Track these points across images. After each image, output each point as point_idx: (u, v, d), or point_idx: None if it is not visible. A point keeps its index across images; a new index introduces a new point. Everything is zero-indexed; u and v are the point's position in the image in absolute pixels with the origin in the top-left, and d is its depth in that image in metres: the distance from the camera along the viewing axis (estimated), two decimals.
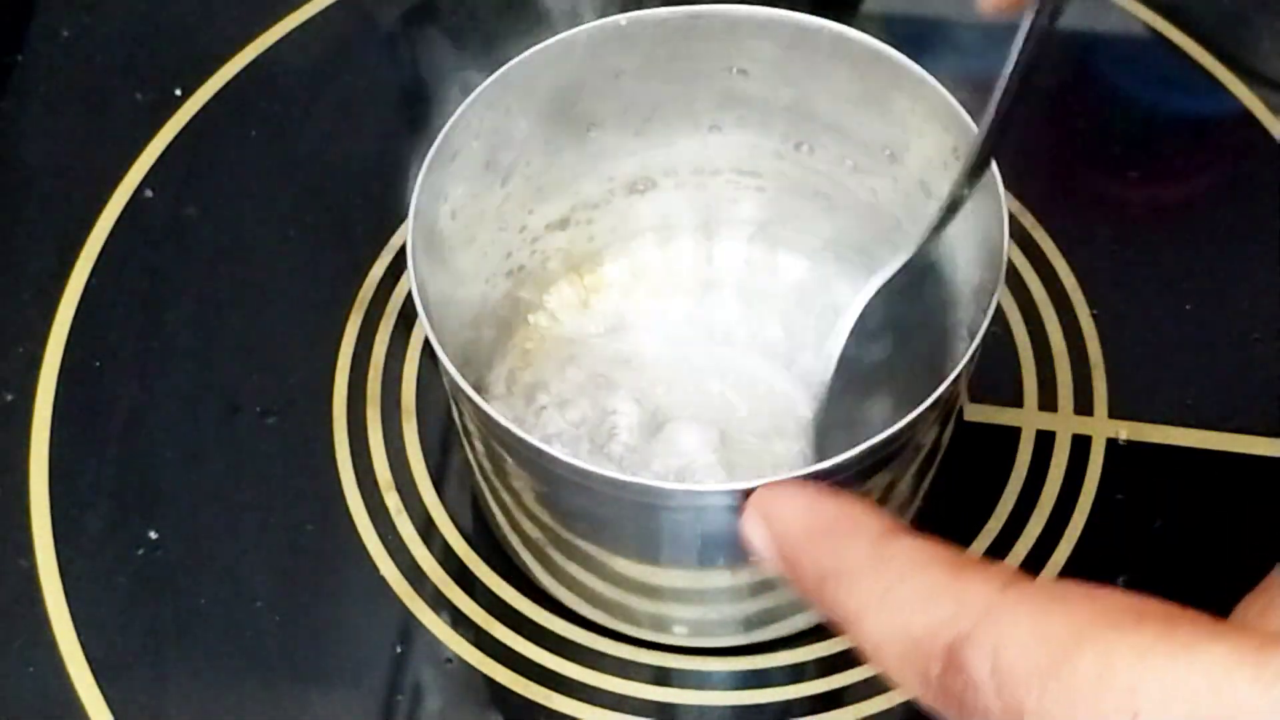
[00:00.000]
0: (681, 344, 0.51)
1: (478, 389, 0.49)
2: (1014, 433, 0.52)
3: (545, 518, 0.44)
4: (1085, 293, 0.54)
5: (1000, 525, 0.50)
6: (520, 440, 0.39)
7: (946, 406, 0.41)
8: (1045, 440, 0.51)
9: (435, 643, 0.48)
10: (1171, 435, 0.52)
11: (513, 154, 0.47)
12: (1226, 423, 0.52)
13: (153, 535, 0.51)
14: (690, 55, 0.46)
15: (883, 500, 0.43)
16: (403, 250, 0.56)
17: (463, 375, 0.39)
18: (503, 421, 0.39)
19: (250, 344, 0.54)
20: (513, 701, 0.48)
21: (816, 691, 0.47)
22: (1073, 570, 0.49)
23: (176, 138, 0.59)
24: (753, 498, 0.35)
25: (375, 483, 0.51)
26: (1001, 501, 0.50)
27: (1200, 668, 0.25)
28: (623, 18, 0.45)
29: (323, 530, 0.51)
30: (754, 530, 0.35)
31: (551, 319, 0.52)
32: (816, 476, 0.37)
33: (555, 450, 0.38)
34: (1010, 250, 0.42)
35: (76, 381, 0.54)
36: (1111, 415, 0.52)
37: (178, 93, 0.60)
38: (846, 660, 0.48)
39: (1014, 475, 0.51)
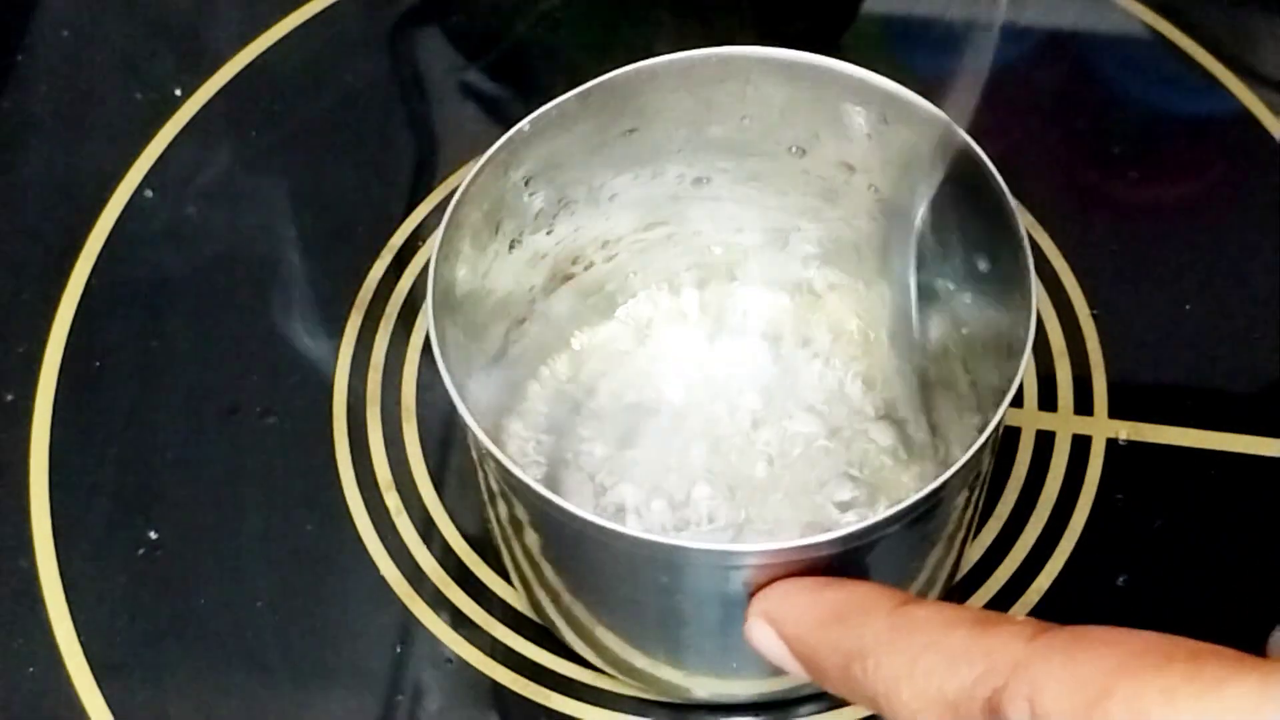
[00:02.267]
0: (700, 393, 0.50)
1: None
2: (1014, 433, 0.52)
3: (566, 580, 0.43)
4: (1085, 293, 0.54)
5: (1000, 525, 0.50)
6: (534, 493, 0.38)
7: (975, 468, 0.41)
8: (1045, 440, 0.51)
9: (435, 643, 0.48)
10: (1171, 435, 0.51)
11: (517, 219, 0.46)
12: (1226, 423, 0.52)
13: (153, 535, 0.51)
14: (697, 103, 0.46)
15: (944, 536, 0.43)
16: (402, 250, 0.56)
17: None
18: (522, 476, 0.38)
19: (250, 344, 0.54)
20: (513, 701, 0.48)
21: None
22: (1073, 570, 0.49)
23: (176, 138, 0.59)
24: (752, 604, 0.34)
25: (375, 483, 0.51)
26: (1001, 501, 0.50)
27: (1228, 704, 0.25)
28: (615, 74, 0.44)
29: (323, 530, 0.50)
30: (762, 635, 0.34)
31: (568, 368, 0.51)
32: (872, 529, 0.36)
33: (571, 506, 0.38)
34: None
35: (76, 381, 0.54)
36: (1111, 415, 0.52)
37: (178, 93, 0.60)
38: None
39: (1014, 475, 0.51)
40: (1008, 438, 0.51)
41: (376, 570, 0.50)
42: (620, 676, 0.47)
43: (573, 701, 0.47)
